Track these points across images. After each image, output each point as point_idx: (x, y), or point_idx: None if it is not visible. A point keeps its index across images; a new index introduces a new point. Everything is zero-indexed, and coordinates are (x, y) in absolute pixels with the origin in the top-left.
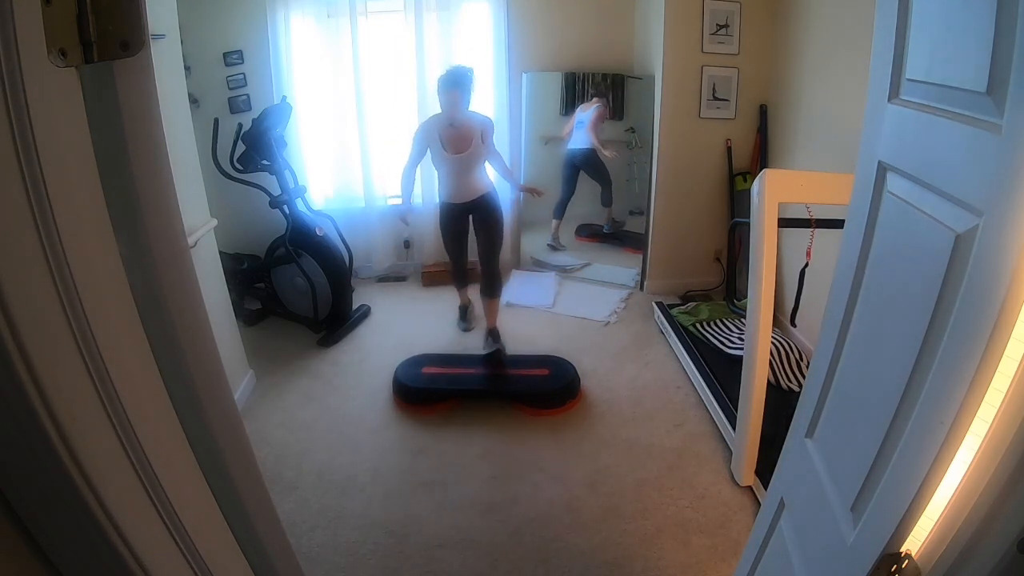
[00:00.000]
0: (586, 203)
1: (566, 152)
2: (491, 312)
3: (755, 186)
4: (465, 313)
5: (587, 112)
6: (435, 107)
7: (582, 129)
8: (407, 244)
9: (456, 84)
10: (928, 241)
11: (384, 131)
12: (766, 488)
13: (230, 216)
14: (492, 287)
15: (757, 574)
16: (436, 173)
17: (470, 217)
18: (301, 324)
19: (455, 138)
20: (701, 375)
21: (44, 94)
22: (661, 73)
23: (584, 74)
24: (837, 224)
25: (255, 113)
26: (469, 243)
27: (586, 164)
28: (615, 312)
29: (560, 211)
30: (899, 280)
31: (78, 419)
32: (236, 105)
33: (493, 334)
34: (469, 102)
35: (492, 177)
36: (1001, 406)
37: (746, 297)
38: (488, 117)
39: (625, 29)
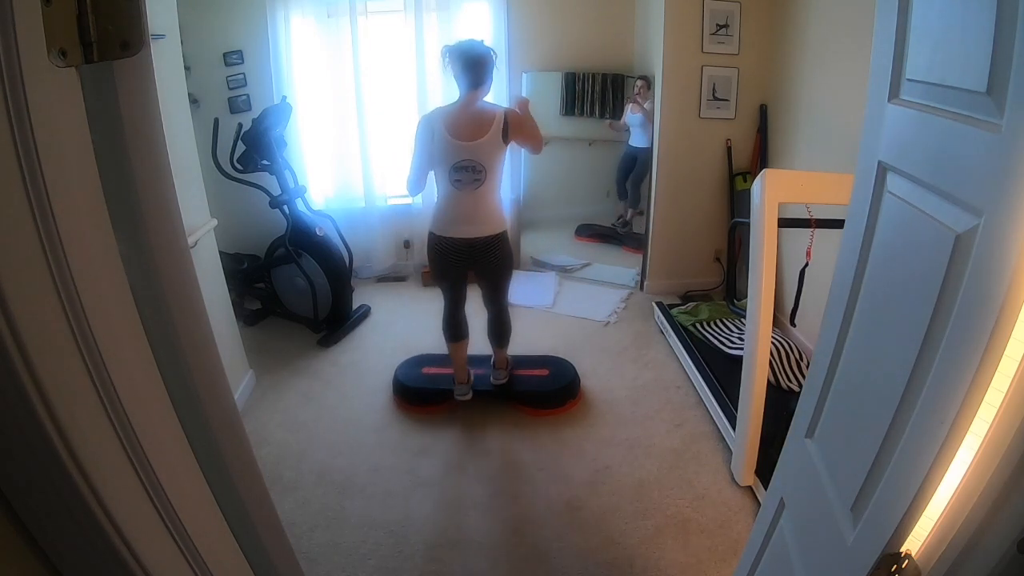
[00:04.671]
0: (587, 203)
1: (627, 147)
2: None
3: (755, 186)
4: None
5: (639, 114)
6: (434, 103)
7: (639, 128)
8: (407, 244)
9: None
10: (928, 241)
11: (384, 131)
12: (766, 488)
13: (230, 216)
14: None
15: (757, 574)
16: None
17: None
18: (301, 324)
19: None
20: (701, 375)
21: (44, 94)
22: (661, 73)
23: (584, 74)
24: (837, 224)
25: (255, 113)
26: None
27: (643, 160)
28: (615, 312)
29: (623, 194)
30: (899, 280)
31: (78, 419)
32: (236, 105)
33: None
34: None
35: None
36: (1001, 406)
37: (746, 297)
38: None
39: (625, 29)
